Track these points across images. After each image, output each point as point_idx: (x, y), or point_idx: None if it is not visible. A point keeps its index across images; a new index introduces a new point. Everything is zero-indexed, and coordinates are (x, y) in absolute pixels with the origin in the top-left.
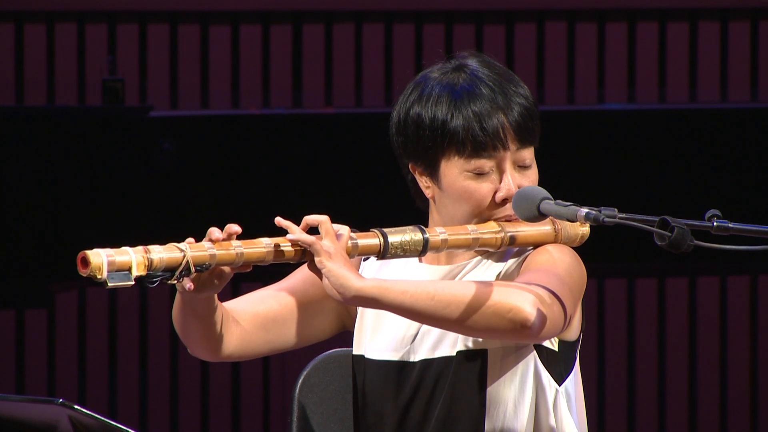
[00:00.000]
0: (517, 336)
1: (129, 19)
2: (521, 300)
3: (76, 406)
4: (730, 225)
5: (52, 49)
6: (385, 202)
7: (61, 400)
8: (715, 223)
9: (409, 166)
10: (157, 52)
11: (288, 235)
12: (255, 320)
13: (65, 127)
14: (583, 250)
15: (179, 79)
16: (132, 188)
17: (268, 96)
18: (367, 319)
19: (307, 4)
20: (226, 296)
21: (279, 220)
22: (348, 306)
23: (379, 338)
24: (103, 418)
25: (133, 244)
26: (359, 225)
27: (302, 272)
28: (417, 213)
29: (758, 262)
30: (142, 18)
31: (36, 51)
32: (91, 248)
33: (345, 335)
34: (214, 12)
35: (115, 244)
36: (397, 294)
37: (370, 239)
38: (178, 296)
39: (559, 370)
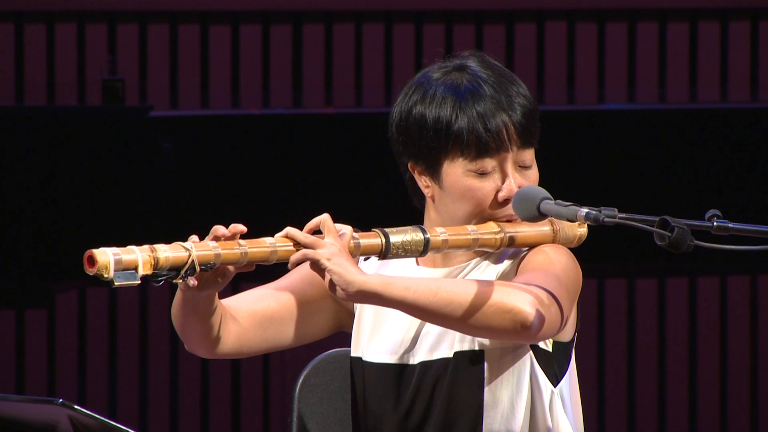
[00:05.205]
0: (516, 336)
1: (129, 19)
2: (521, 300)
3: (76, 406)
4: (730, 225)
5: (52, 49)
6: (385, 202)
7: (61, 400)
8: (715, 223)
9: (408, 165)
10: (157, 52)
11: (290, 231)
12: (253, 318)
13: (65, 127)
14: (583, 250)
15: (179, 79)
16: (132, 188)
17: (268, 96)
18: (365, 321)
19: (307, 4)
20: (226, 295)
21: (288, 231)
22: (347, 305)
23: (377, 341)
24: (103, 418)
25: (133, 245)
26: (359, 225)
27: (300, 271)
28: (417, 213)
29: (758, 262)
30: (142, 18)
31: (36, 51)
32: (91, 248)
33: (345, 336)
34: (214, 12)
35: (116, 244)
36: (400, 290)
37: (372, 239)
38: (178, 293)
39: (553, 370)
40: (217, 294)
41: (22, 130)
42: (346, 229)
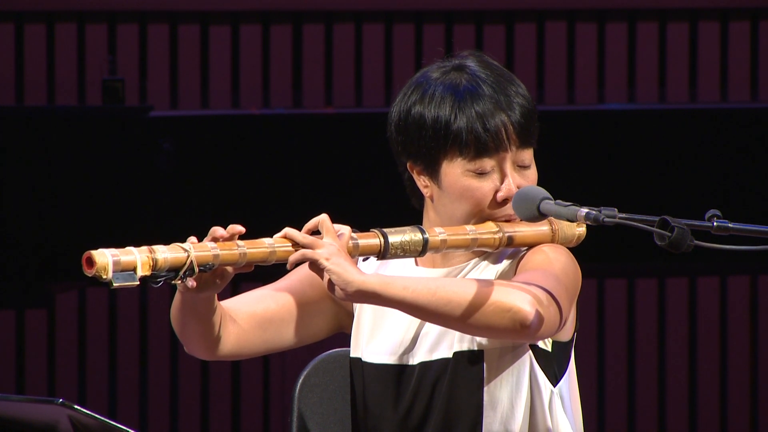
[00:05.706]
0: (515, 335)
1: (129, 19)
2: (521, 299)
3: (76, 406)
4: (730, 225)
5: (52, 49)
6: (384, 202)
7: (61, 400)
8: (715, 223)
9: (407, 165)
10: (157, 52)
11: (288, 232)
12: (252, 320)
13: (65, 127)
14: (583, 250)
15: (179, 79)
16: (132, 188)
17: (268, 96)
18: (364, 322)
19: (307, 4)
20: (225, 296)
21: (287, 232)
22: (346, 306)
23: (376, 341)
24: (103, 418)
25: (133, 245)
26: (359, 225)
27: (299, 273)
28: (416, 213)
29: (758, 262)
30: (142, 18)
31: (36, 51)
32: (91, 248)
33: (345, 336)
34: (214, 12)
35: (115, 244)
36: (398, 289)
37: (371, 239)
38: (177, 295)
39: (553, 370)
40: (216, 295)
41: (22, 130)
42: (345, 229)
